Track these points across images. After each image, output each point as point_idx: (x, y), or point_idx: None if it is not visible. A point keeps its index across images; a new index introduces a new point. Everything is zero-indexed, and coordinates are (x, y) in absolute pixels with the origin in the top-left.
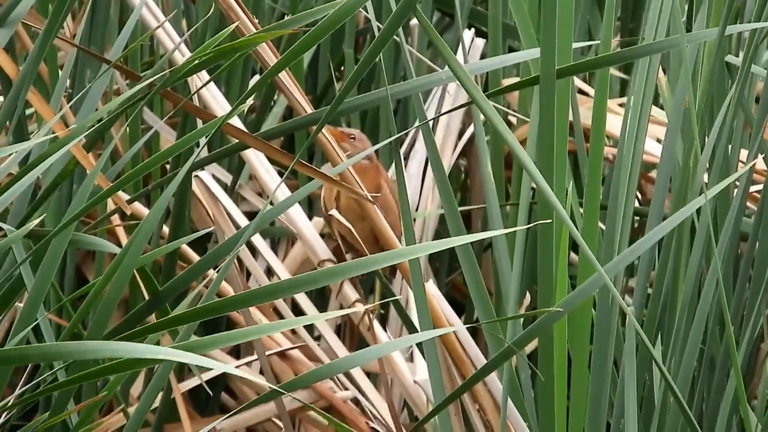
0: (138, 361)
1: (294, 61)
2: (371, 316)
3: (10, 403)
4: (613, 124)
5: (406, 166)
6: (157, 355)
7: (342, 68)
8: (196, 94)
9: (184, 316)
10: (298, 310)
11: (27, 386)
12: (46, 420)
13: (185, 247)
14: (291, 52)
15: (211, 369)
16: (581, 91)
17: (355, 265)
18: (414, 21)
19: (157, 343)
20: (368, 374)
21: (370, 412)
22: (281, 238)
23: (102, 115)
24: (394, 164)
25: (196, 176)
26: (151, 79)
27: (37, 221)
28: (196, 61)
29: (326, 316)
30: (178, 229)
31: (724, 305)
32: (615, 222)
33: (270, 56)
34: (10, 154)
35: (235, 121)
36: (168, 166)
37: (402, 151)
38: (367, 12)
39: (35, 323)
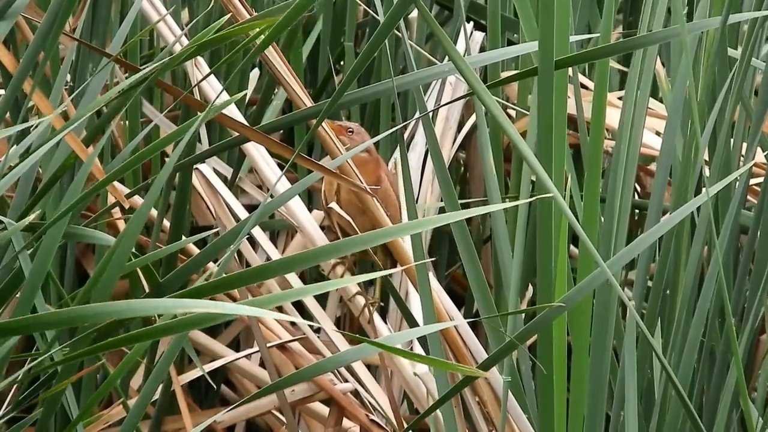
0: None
1: (279, 34)
2: (371, 308)
3: (9, 397)
4: (614, 117)
5: None
6: (160, 309)
7: (341, 62)
8: (196, 88)
9: (181, 297)
10: (298, 303)
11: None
12: (45, 392)
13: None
14: (275, 28)
15: (211, 361)
16: (582, 85)
17: (349, 243)
18: (413, 14)
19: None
20: (368, 366)
21: (370, 404)
22: (281, 231)
23: (100, 105)
24: (398, 152)
25: (196, 169)
26: (151, 66)
27: (34, 215)
28: (192, 49)
29: (317, 290)
30: (179, 224)
31: (725, 297)
32: (612, 214)
33: (269, 48)
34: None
35: (236, 114)
36: (167, 160)
37: None
38: (366, 5)
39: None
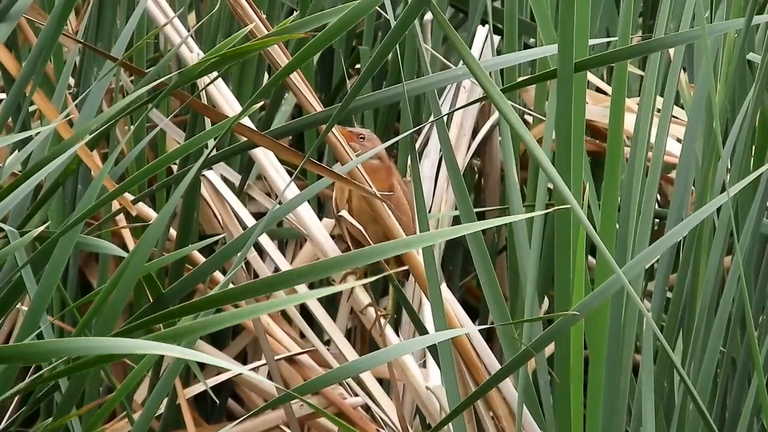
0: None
1: (304, 63)
2: (383, 320)
3: (11, 407)
4: (630, 122)
5: None
6: (157, 350)
7: (356, 66)
8: (204, 92)
9: (186, 309)
10: (307, 314)
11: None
12: (49, 424)
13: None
14: (301, 54)
15: (217, 374)
16: (600, 90)
17: (363, 254)
18: (427, 17)
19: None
20: (380, 380)
21: (381, 418)
22: (289, 240)
23: (107, 116)
24: (409, 160)
25: (204, 176)
26: (160, 80)
27: (39, 230)
28: (207, 63)
29: (325, 292)
30: (186, 232)
31: (746, 305)
32: (628, 223)
33: (280, 55)
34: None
35: (244, 120)
36: (174, 166)
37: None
38: (380, 9)
39: (39, 330)
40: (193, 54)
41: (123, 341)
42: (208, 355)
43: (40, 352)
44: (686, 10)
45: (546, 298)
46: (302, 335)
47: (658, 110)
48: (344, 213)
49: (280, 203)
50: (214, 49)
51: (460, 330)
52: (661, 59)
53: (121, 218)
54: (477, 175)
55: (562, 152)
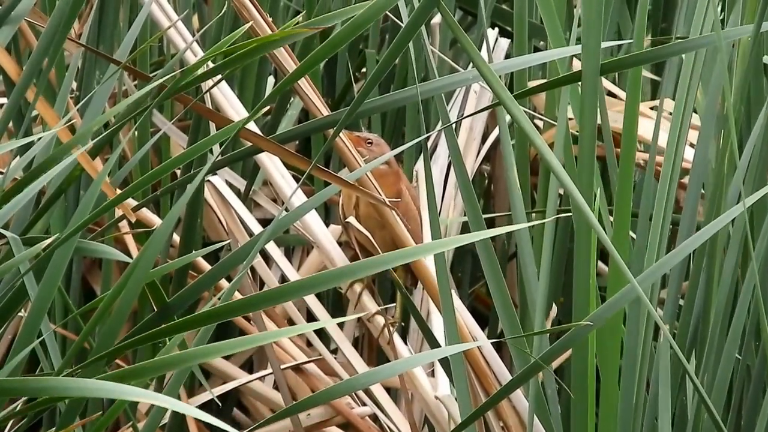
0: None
1: (312, 68)
2: (391, 328)
3: (13, 416)
4: (644, 127)
5: None
6: (148, 399)
7: (362, 70)
8: (208, 95)
9: (192, 320)
10: (313, 321)
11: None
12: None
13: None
14: (309, 59)
15: (223, 383)
16: (610, 93)
17: (368, 264)
18: (435, 20)
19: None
20: (388, 389)
21: (389, 429)
22: (296, 247)
23: (109, 119)
24: (419, 164)
25: (208, 181)
26: (161, 81)
27: (47, 242)
28: (209, 62)
29: (339, 321)
30: (189, 238)
31: (761, 313)
32: (646, 231)
33: (285, 58)
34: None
35: (250, 124)
36: (178, 171)
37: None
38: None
39: (41, 338)
40: (196, 58)
41: (108, 385)
42: (197, 411)
43: (28, 388)
44: (702, 14)
45: (555, 305)
46: (309, 344)
47: (669, 113)
48: (351, 219)
49: (286, 210)
50: (215, 47)
51: (472, 344)
52: (685, 64)
53: (124, 224)
54: (487, 181)
55: (584, 158)
